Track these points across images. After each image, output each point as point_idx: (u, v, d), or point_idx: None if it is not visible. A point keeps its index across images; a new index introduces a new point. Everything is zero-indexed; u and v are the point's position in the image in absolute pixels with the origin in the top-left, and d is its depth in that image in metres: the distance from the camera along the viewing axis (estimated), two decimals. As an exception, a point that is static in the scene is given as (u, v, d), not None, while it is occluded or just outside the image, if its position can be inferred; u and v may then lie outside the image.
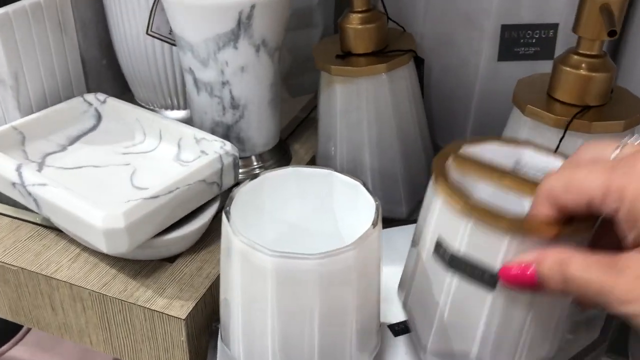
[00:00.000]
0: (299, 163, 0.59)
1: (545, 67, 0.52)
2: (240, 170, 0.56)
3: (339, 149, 0.54)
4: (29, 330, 0.93)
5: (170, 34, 0.56)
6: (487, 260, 0.33)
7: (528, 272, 0.31)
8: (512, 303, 0.33)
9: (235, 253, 0.35)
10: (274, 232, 0.43)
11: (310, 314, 0.35)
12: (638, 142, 0.30)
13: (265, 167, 0.57)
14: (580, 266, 0.29)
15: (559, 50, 0.53)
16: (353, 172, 0.55)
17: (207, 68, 0.50)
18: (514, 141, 0.38)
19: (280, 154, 0.58)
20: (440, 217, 0.35)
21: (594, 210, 0.29)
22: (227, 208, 0.37)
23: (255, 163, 0.57)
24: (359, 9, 0.51)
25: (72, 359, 0.93)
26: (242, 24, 0.48)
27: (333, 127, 0.54)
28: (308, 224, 0.44)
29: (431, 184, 0.36)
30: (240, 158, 0.55)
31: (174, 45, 0.56)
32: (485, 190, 0.36)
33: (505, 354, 0.35)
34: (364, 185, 0.39)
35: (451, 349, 0.36)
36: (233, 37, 0.48)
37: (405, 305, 0.40)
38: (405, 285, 0.40)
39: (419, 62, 0.55)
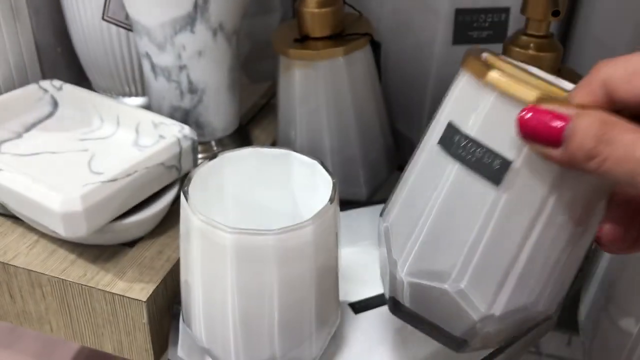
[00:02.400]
0: (259, 148, 0.59)
1: (497, 50, 0.53)
2: (201, 155, 0.56)
3: (298, 133, 0.55)
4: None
5: (126, 19, 0.55)
6: (500, 144, 0.28)
7: (561, 120, 0.25)
8: (516, 208, 0.28)
9: (195, 232, 0.36)
10: (234, 212, 0.44)
11: (269, 290, 0.35)
12: None
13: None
14: (630, 128, 0.23)
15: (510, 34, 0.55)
16: (313, 155, 0.55)
17: (164, 52, 0.50)
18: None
19: (241, 139, 0.59)
20: (457, 100, 0.30)
21: None
22: (186, 188, 0.37)
23: (215, 148, 0.57)
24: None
25: (32, 355, 0.91)
26: (199, 7, 0.48)
27: (292, 112, 0.54)
28: (268, 203, 0.44)
29: (457, 75, 0.32)
30: (199, 143, 0.56)
31: (131, 30, 0.56)
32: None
33: (490, 280, 0.30)
34: (322, 164, 0.40)
35: (432, 265, 0.31)
36: (190, 20, 0.48)
37: (385, 230, 0.35)
38: (388, 207, 0.35)
39: (376, 46, 0.56)
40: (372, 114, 0.56)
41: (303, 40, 0.52)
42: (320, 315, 0.38)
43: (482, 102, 0.28)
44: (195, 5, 0.48)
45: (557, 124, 0.25)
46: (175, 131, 0.48)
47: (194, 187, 0.38)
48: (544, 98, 0.26)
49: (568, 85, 0.32)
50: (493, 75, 0.28)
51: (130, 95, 0.62)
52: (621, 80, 0.25)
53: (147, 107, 0.55)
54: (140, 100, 0.62)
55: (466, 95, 0.30)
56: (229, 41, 0.52)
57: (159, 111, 0.54)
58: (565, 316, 0.46)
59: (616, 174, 0.23)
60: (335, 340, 0.42)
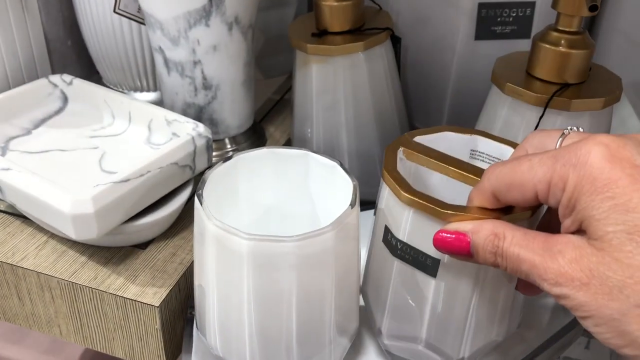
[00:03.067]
0: (275, 145, 0.58)
1: (522, 46, 0.51)
2: (215, 153, 0.54)
3: (315, 130, 0.53)
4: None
5: (138, 11, 0.54)
6: (428, 247, 0.33)
7: (463, 241, 0.31)
8: (455, 288, 0.34)
9: (210, 238, 0.34)
10: (250, 215, 0.42)
11: (287, 298, 0.34)
12: (580, 130, 0.31)
13: (239, 150, 0.55)
14: (515, 242, 0.29)
15: (536, 29, 0.53)
16: (330, 154, 0.53)
17: (178, 47, 0.49)
18: (468, 130, 0.39)
19: (255, 137, 0.57)
20: (387, 206, 0.36)
21: (540, 202, 0.29)
22: (200, 191, 0.36)
23: (229, 146, 0.55)
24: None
25: (41, 351, 0.91)
26: (214, 0, 0.46)
27: (309, 109, 0.53)
28: (285, 206, 0.43)
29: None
30: (213, 141, 0.54)
31: (143, 23, 0.54)
32: (439, 180, 0.37)
33: (453, 337, 0.36)
34: (341, 165, 0.38)
35: (403, 332, 0.38)
36: (204, 14, 0.47)
37: (362, 290, 0.41)
38: (364, 276, 0.41)
39: (396, 41, 0.54)
40: (392, 111, 0.54)
41: (321, 34, 0.50)
42: (340, 323, 0.37)
43: (404, 215, 0.34)
44: (210, -1, 0.46)
45: (463, 242, 0.31)
46: (190, 129, 0.46)
47: (208, 190, 0.37)
48: (451, 214, 0.32)
49: (483, 164, 0.38)
50: (406, 197, 0.33)
51: (142, 90, 0.61)
52: (502, 191, 0.30)
53: (159, 103, 0.54)
54: (152, 95, 0.61)
55: (392, 204, 0.35)
56: (245, 35, 0.50)
57: (171, 107, 0.52)
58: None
59: (517, 274, 0.29)
60: (355, 348, 0.40)
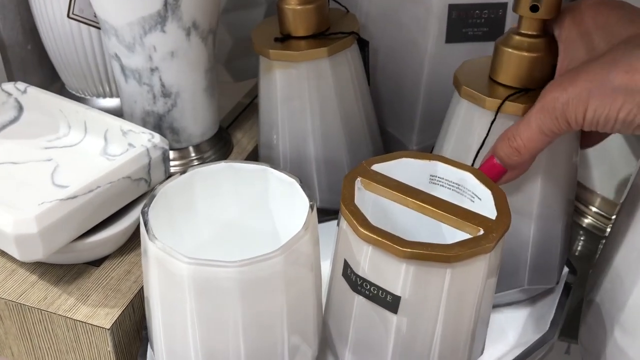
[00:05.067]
0: (241, 153, 0.56)
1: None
2: (178, 163, 0.53)
3: (281, 137, 0.51)
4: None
5: (95, 16, 0.52)
6: (387, 284, 0.33)
7: (494, 163, 0.37)
8: (417, 324, 0.34)
9: (152, 258, 0.32)
10: (209, 231, 0.40)
11: (233, 324, 0.32)
12: None
13: (204, 159, 0.53)
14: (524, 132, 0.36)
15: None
16: (297, 161, 0.52)
17: (134, 54, 0.47)
18: (427, 156, 0.38)
19: (221, 144, 0.55)
20: (346, 240, 0.35)
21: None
22: (146, 208, 0.34)
23: (193, 154, 0.53)
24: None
25: None
26: (169, 6, 0.44)
27: (274, 115, 0.51)
28: (245, 222, 0.41)
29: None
30: (176, 149, 0.52)
31: (99, 28, 0.52)
32: (400, 208, 0.36)
33: None
34: (300, 183, 0.37)
35: None
36: (160, 19, 0.45)
37: (324, 319, 0.39)
38: (326, 304, 0.40)
39: (364, 44, 0.52)
40: (360, 116, 0.52)
41: (284, 39, 0.49)
42: (295, 350, 0.35)
43: (363, 251, 0.33)
44: (166, 3, 0.44)
45: (496, 167, 0.38)
46: (144, 140, 0.44)
47: (158, 206, 0.35)
48: (407, 255, 0.31)
49: (442, 189, 0.38)
50: (364, 233, 0.32)
51: (105, 96, 0.59)
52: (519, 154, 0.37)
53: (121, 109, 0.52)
54: (115, 101, 0.59)
55: (350, 239, 0.34)
56: (205, 41, 0.48)
57: (131, 115, 0.50)
58: (565, 325, 0.44)
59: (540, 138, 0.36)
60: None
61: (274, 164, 0.52)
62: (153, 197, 0.35)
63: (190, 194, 0.38)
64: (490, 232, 0.32)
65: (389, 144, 0.58)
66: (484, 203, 0.36)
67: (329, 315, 0.39)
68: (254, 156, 0.56)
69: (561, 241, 0.44)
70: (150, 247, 0.32)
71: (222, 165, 0.39)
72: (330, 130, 0.51)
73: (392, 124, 0.58)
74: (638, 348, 0.38)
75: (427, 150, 0.50)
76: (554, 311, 0.44)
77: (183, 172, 0.38)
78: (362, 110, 0.52)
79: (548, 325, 0.43)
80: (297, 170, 0.52)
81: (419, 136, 0.56)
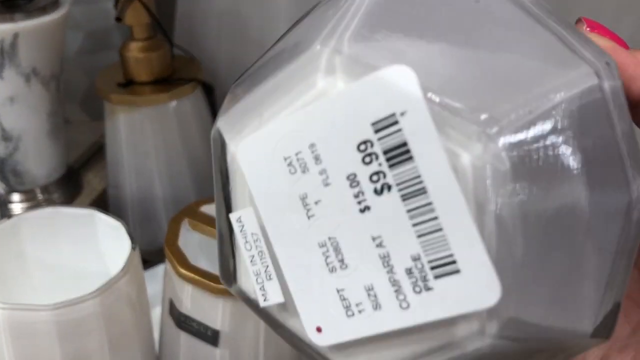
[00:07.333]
0: (91, 193, 0.57)
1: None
2: (25, 205, 0.53)
3: (128, 180, 0.53)
4: None
5: None
6: (208, 319, 0.35)
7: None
8: (238, 355, 0.36)
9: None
10: (40, 277, 0.41)
11: (53, 367, 0.33)
12: None
13: (52, 200, 0.54)
14: None
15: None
16: (144, 202, 0.53)
17: (-29, 99, 0.47)
18: None
19: (70, 185, 0.56)
20: (170, 280, 0.37)
21: None
22: (-34, 258, 0.34)
23: (40, 196, 0.53)
24: (140, 37, 0.50)
25: None
26: (6, 54, 0.45)
27: (120, 157, 0.52)
28: (78, 266, 0.42)
29: None
30: (21, 192, 0.53)
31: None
32: None
33: None
34: (126, 227, 0.38)
35: None
36: (-3, 66, 0.45)
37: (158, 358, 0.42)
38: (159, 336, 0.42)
39: (210, 90, 0.55)
40: (207, 159, 0.55)
41: (127, 84, 0.51)
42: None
43: (184, 290, 0.36)
44: (2, 51, 0.45)
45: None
46: (-22, 185, 0.44)
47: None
48: (224, 292, 0.34)
49: None
50: (183, 273, 0.35)
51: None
52: None
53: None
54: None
55: (173, 279, 0.36)
56: (47, 86, 0.49)
57: (-29, 159, 0.50)
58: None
59: None
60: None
61: (122, 203, 0.54)
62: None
63: (17, 240, 0.39)
64: None
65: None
66: None
67: (162, 354, 0.41)
68: (104, 196, 0.57)
69: None
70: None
71: (48, 210, 0.40)
72: (176, 172, 0.53)
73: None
74: None
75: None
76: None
77: (9, 216, 0.38)
78: (208, 153, 0.55)
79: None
80: (146, 211, 0.54)
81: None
